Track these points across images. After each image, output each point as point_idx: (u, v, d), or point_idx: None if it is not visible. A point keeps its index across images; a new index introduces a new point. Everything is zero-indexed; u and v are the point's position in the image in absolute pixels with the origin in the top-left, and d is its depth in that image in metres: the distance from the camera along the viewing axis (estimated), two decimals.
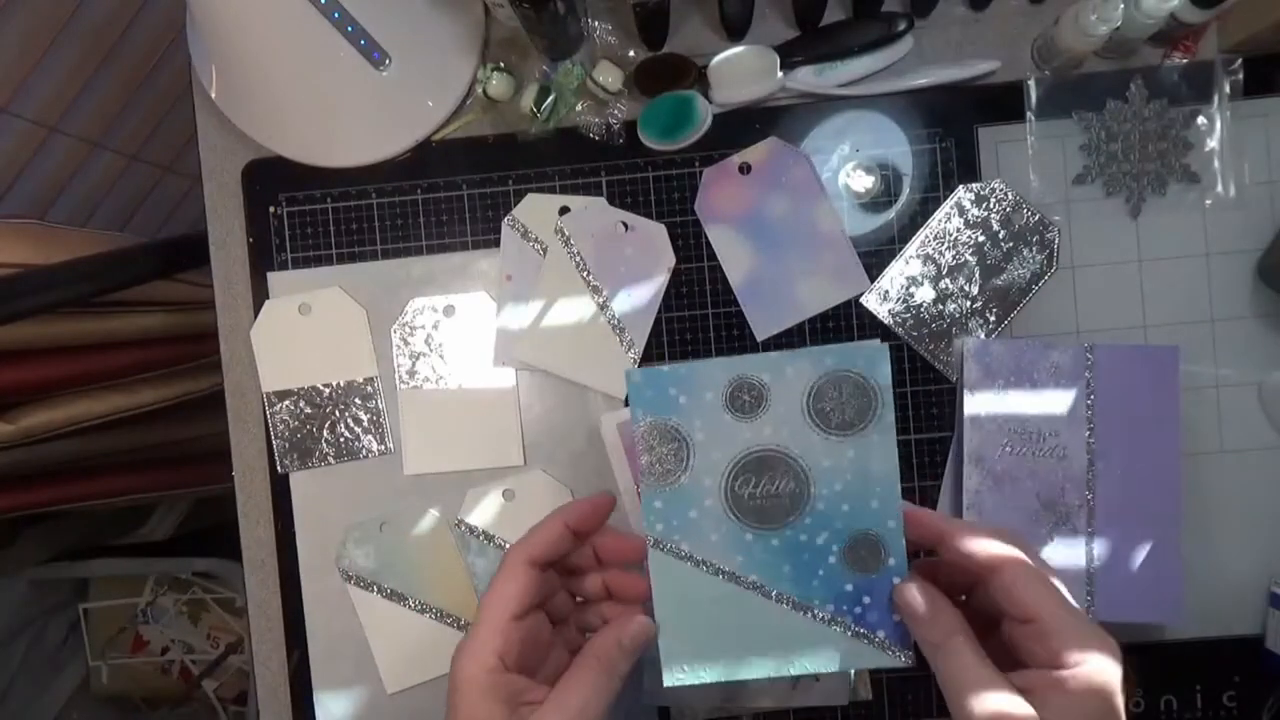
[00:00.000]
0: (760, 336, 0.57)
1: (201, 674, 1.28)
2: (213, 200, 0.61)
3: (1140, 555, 0.55)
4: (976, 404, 0.55)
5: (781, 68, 0.57)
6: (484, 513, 0.59)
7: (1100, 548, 0.54)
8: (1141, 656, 0.56)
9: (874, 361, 0.41)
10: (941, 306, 0.57)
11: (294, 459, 0.60)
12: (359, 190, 0.60)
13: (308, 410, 0.60)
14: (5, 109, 0.71)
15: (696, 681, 0.41)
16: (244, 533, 0.61)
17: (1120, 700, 0.32)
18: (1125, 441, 0.55)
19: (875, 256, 0.58)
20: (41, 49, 0.71)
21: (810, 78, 0.57)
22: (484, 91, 0.58)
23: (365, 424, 0.60)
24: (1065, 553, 0.55)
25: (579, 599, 0.45)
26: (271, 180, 0.60)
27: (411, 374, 0.59)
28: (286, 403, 0.60)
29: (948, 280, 0.57)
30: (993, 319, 0.56)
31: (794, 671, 0.41)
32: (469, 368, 0.59)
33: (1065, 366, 0.55)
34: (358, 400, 0.60)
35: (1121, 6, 0.50)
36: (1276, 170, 0.56)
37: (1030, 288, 0.56)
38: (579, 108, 0.58)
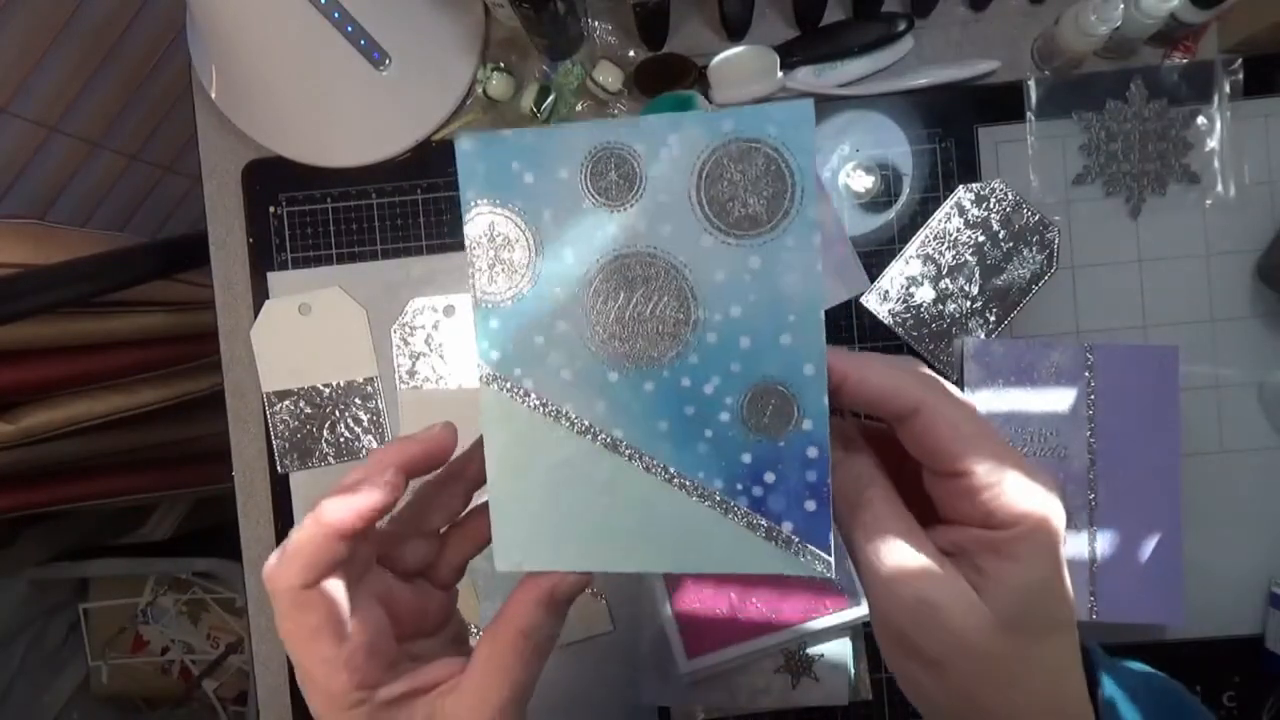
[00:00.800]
0: None
1: (201, 674, 1.27)
2: (213, 200, 0.61)
3: (1141, 555, 0.54)
4: (977, 404, 0.55)
5: (781, 68, 0.57)
6: None
7: (1101, 547, 0.54)
8: (1141, 656, 0.56)
9: (793, 124, 0.28)
10: (941, 306, 0.57)
11: (294, 459, 0.60)
12: (359, 190, 0.60)
13: (308, 410, 0.60)
14: (5, 109, 0.71)
15: (537, 569, 0.30)
16: (244, 533, 0.61)
17: (1064, 564, 0.27)
18: (1126, 441, 0.55)
19: (875, 256, 0.58)
20: (41, 49, 0.71)
21: (810, 78, 0.57)
22: (484, 91, 0.58)
23: (365, 424, 0.60)
24: (1066, 552, 0.55)
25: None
26: (271, 180, 0.60)
27: (411, 374, 0.59)
28: (286, 403, 0.60)
29: (948, 280, 0.57)
30: (993, 319, 0.56)
31: (667, 569, 0.30)
32: (469, 368, 0.59)
33: (1065, 366, 0.55)
34: (358, 400, 0.60)
35: (1121, 6, 0.50)
36: (1276, 170, 0.56)
37: (1030, 288, 0.56)
38: (579, 108, 0.58)
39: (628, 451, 0.30)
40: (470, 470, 0.34)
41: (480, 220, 0.29)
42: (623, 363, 0.29)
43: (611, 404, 0.30)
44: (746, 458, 0.28)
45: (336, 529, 0.28)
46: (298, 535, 0.28)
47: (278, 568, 0.28)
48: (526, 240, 0.29)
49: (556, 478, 0.30)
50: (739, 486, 0.29)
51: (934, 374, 0.28)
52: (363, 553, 0.31)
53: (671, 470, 0.29)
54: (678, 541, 0.29)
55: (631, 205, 0.29)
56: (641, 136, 0.28)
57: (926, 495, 0.29)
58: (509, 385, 0.30)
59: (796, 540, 0.28)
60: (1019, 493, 0.26)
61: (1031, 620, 0.26)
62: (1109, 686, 0.29)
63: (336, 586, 0.28)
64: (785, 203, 0.28)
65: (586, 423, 0.30)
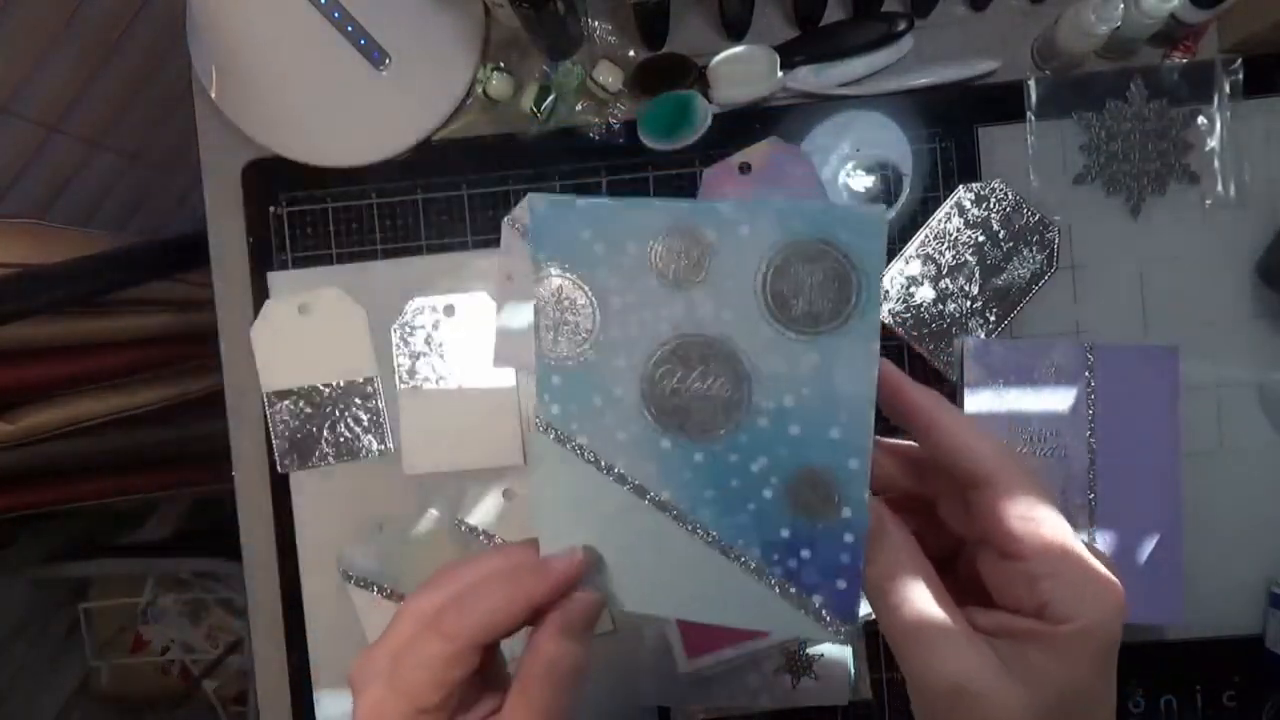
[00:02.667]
0: None
1: (201, 674, 1.27)
2: (213, 200, 0.61)
3: (1141, 555, 0.54)
4: (977, 404, 0.55)
5: (781, 68, 0.57)
6: (484, 513, 0.59)
7: (1101, 547, 0.54)
8: (1141, 656, 0.56)
9: (864, 233, 0.29)
10: (941, 306, 0.57)
11: (294, 459, 0.60)
12: (359, 190, 0.60)
13: (308, 410, 0.60)
14: (5, 109, 0.71)
15: None
16: (244, 533, 0.61)
17: (1114, 666, 0.26)
18: (1126, 441, 0.55)
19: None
20: (41, 49, 0.71)
21: (810, 78, 0.57)
22: (484, 91, 0.58)
23: (365, 424, 0.60)
24: None
25: None
26: (271, 180, 0.60)
27: (411, 374, 0.59)
28: (286, 403, 0.60)
29: (948, 280, 0.57)
30: (993, 319, 0.56)
31: (699, 619, 0.32)
32: (469, 368, 0.59)
33: (1065, 366, 0.55)
34: (358, 400, 0.60)
35: (1121, 6, 0.50)
36: (1276, 170, 0.56)
37: (1030, 288, 0.56)
38: (579, 108, 0.58)
39: (674, 512, 0.31)
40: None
41: (550, 283, 0.31)
42: (676, 433, 0.31)
43: (662, 468, 0.31)
44: (785, 533, 0.30)
45: (536, 607, 0.29)
46: (497, 592, 0.29)
47: (465, 612, 0.28)
48: (592, 308, 0.31)
49: (602, 526, 0.31)
50: (775, 557, 0.30)
51: (1012, 451, 0.28)
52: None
53: (713, 534, 0.31)
54: (713, 597, 0.31)
55: (697, 287, 0.30)
56: (714, 222, 0.29)
57: (971, 569, 0.28)
58: (565, 437, 0.31)
59: (824, 612, 0.30)
60: (1078, 589, 0.25)
61: (1070, 718, 0.25)
62: None
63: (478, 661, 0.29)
64: (848, 306, 0.29)
65: (637, 481, 0.31)
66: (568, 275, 0.31)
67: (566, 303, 0.31)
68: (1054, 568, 0.25)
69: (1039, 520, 0.26)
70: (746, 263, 0.29)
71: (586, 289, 0.31)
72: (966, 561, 0.30)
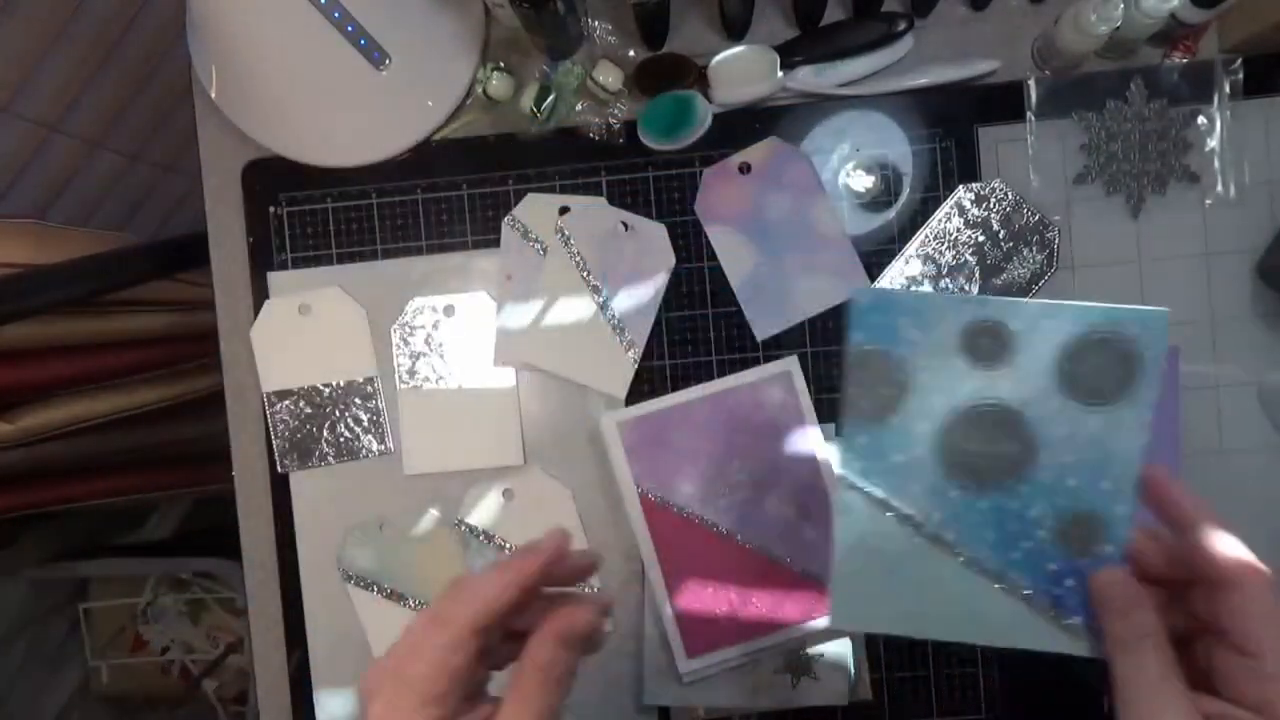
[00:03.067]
0: (760, 336, 0.57)
1: (201, 674, 1.27)
2: (213, 200, 0.61)
3: None
4: None
5: (781, 68, 0.57)
6: (484, 513, 0.59)
7: None
8: None
9: (1152, 328, 0.36)
10: None
11: (294, 459, 0.60)
12: (359, 190, 0.60)
13: (308, 410, 0.60)
14: (5, 109, 0.71)
15: (863, 629, 0.44)
16: (244, 533, 0.61)
17: None
18: None
19: (875, 256, 0.58)
20: (41, 49, 0.71)
21: (810, 78, 0.57)
22: (484, 91, 0.58)
23: (365, 424, 0.60)
24: None
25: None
26: (271, 180, 0.60)
27: (411, 374, 0.59)
28: (286, 403, 0.60)
29: (948, 280, 0.57)
30: None
31: (974, 641, 0.38)
32: (469, 368, 0.59)
33: None
34: (358, 400, 0.60)
35: (1121, 6, 0.50)
36: (1276, 170, 0.56)
37: (1030, 288, 0.56)
38: (579, 108, 0.58)
39: (957, 551, 0.38)
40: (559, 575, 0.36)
41: (864, 357, 0.37)
42: (965, 484, 0.38)
43: (949, 514, 0.38)
44: (1053, 566, 0.36)
45: (528, 588, 0.32)
46: (495, 579, 0.32)
47: (465, 600, 0.31)
48: (900, 381, 0.37)
49: (893, 563, 0.38)
50: (1043, 586, 0.37)
51: (1254, 559, 0.31)
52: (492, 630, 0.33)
53: (990, 569, 0.37)
54: (987, 622, 0.37)
55: (999, 368, 0.37)
56: (1019, 318, 0.37)
57: (1204, 658, 0.31)
58: (865, 488, 0.38)
59: (1085, 632, 0.36)
60: None
61: None
62: None
63: (480, 647, 0.31)
64: (1131, 386, 0.36)
65: (926, 526, 0.38)
66: (882, 352, 0.37)
67: (878, 375, 0.37)
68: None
69: (1275, 625, 0.29)
70: (1045, 349, 0.37)
71: (897, 366, 0.38)
72: (1202, 650, 0.32)
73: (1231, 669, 0.29)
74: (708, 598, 0.55)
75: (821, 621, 0.55)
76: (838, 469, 0.38)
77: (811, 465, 0.54)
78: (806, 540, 0.53)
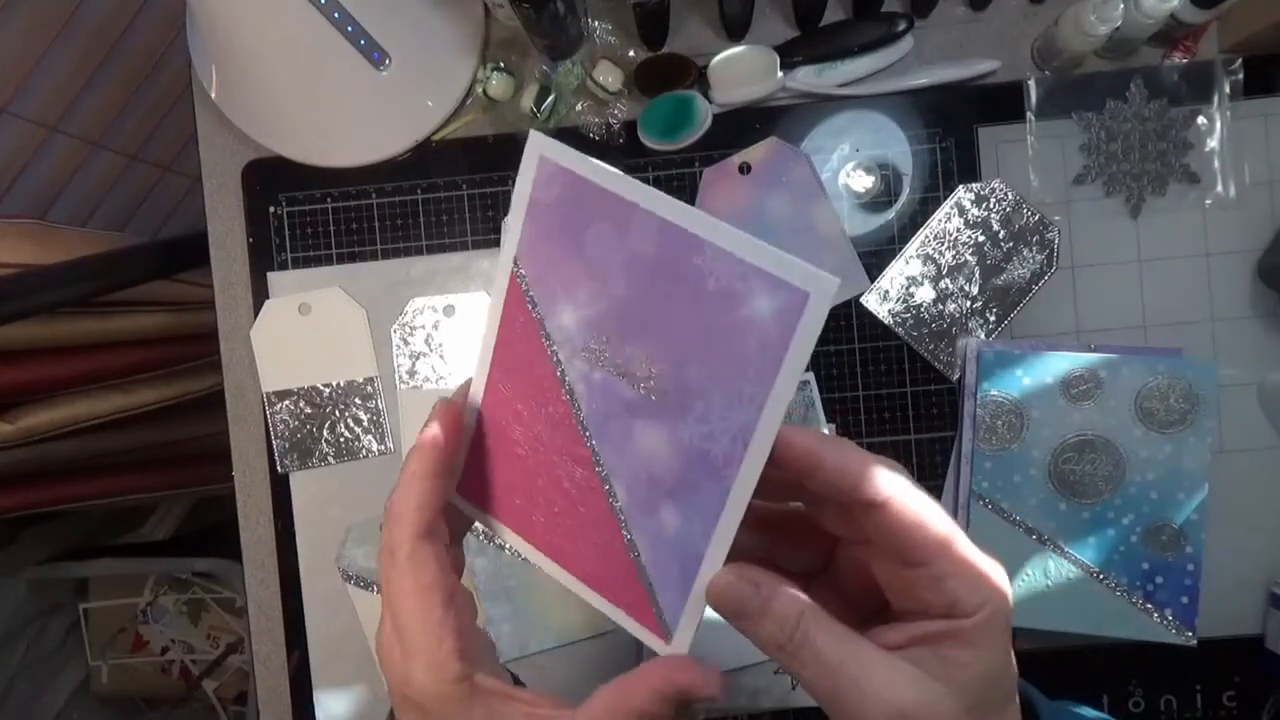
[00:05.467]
0: None
1: (201, 674, 1.28)
2: (213, 200, 0.61)
3: None
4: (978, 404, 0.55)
5: (781, 68, 0.57)
6: None
7: None
8: (1141, 656, 0.56)
9: (1204, 375, 0.50)
10: (941, 306, 0.57)
11: (294, 459, 0.60)
12: (359, 190, 0.60)
13: (308, 410, 0.60)
14: (5, 109, 0.71)
15: None
16: (244, 533, 0.61)
17: (1010, 634, 0.27)
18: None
19: (875, 256, 0.58)
20: (41, 49, 0.71)
21: (810, 78, 0.57)
22: (484, 91, 0.58)
23: (365, 424, 0.60)
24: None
25: None
26: (271, 180, 0.60)
27: (411, 374, 0.59)
28: (286, 403, 0.60)
29: (948, 280, 0.57)
30: (993, 319, 0.56)
31: (1082, 630, 0.46)
32: (469, 368, 0.59)
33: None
34: (358, 400, 0.60)
35: (1121, 6, 0.50)
36: (1276, 170, 0.56)
37: (1030, 288, 0.56)
38: (579, 108, 0.58)
39: (1068, 555, 0.49)
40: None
41: (991, 401, 0.51)
42: (1070, 498, 0.49)
43: (1059, 523, 0.49)
44: (1145, 565, 0.47)
45: (434, 466, 0.30)
46: (407, 481, 0.30)
47: (397, 516, 0.29)
48: (1019, 416, 0.51)
49: (1016, 566, 0.48)
50: (1138, 583, 0.48)
51: (889, 462, 0.28)
52: (444, 521, 0.32)
53: (1095, 569, 0.48)
54: (1091, 614, 0.48)
55: (1090, 404, 0.51)
56: (1106, 366, 0.50)
57: (849, 578, 0.30)
58: (990, 503, 0.50)
59: (1174, 621, 0.47)
60: (978, 579, 0.26)
61: (992, 700, 0.26)
62: None
63: (440, 550, 0.30)
64: (1193, 416, 0.50)
65: (1041, 533, 0.49)
66: (1002, 397, 0.50)
67: (1001, 414, 0.50)
68: (954, 566, 0.26)
69: (935, 526, 0.26)
70: (1126, 390, 0.50)
71: (1014, 405, 0.50)
72: (844, 572, 0.31)
73: (902, 581, 0.27)
74: (510, 457, 0.33)
75: (647, 639, 0.32)
76: (972, 488, 0.50)
77: (743, 423, 0.26)
78: (663, 526, 0.28)
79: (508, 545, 0.39)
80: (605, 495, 0.29)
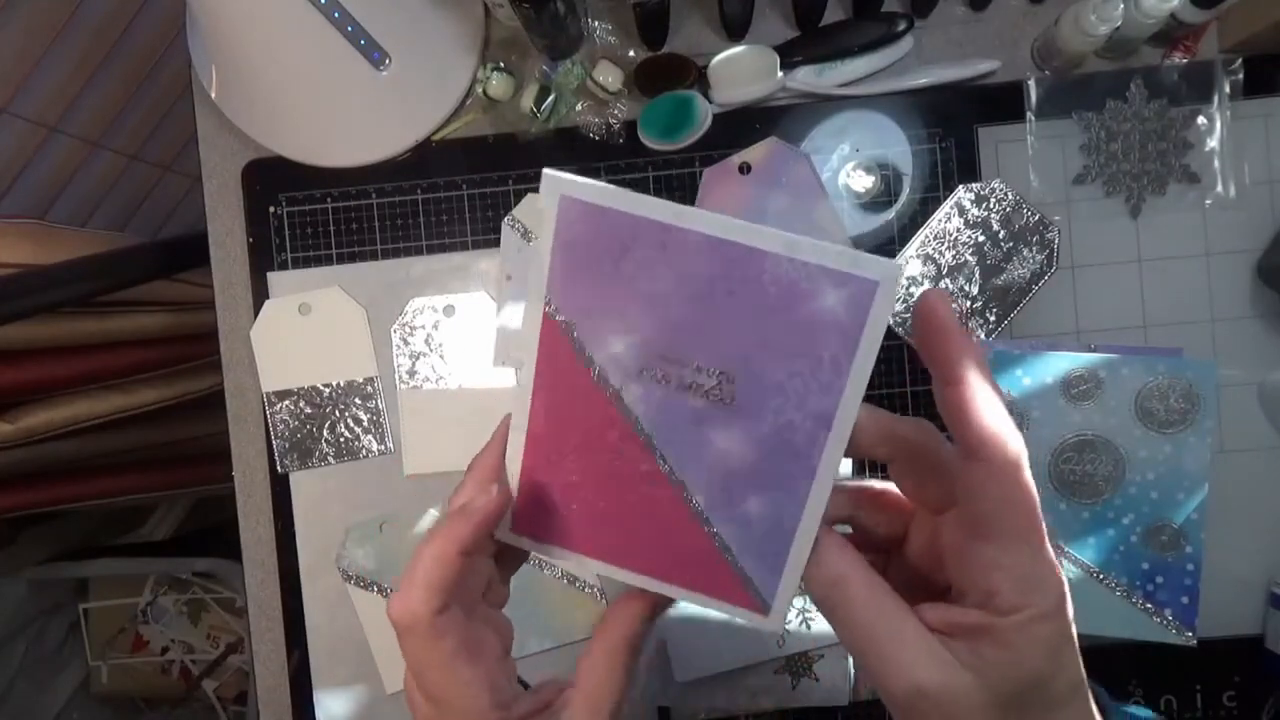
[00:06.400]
0: None
1: (201, 674, 1.28)
2: (213, 200, 0.61)
3: None
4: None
5: (781, 68, 0.57)
6: None
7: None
8: (1142, 657, 0.56)
9: (1204, 375, 0.50)
10: None
11: (294, 459, 0.60)
12: (359, 190, 0.60)
13: (308, 410, 0.60)
14: (5, 109, 0.71)
15: None
16: (244, 533, 0.61)
17: (1065, 650, 0.26)
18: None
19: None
20: (41, 49, 0.71)
21: (810, 78, 0.57)
22: (484, 91, 0.58)
23: (365, 424, 0.60)
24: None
25: None
26: (271, 180, 0.60)
27: (411, 374, 0.59)
28: (286, 403, 0.60)
29: (948, 280, 0.57)
30: (993, 319, 0.56)
31: (1082, 630, 0.45)
32: (469, 368, 0.59)
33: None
34: (358, 400, 0.60)
35: (1121, 6, 0.50)
36: (1276, 170, 0.56)
37: (1030, 288, 0.56)
38: (579, 108, 0.58)
39: (1068, 554, 0.48)
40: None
41: None
42: (1070, 498, 0.49)
43: (1059, 523, 0.49)
44: (1145, 565, 0.46)
45: (459, 545, 0.29)
46: (422, 563, 0.28)
47: (407, 599, 0.28)
48: (1019, 415, 0.49)
49: None
50: (1137, 583, 0.48)
51: (1011, 426, 0.27)
52: (477, 570, 0.32)
53: (1094, 569, 0.48)
54: (1091, 614, 0.47)
55: (1091, 403, 0.50)
56: (1106, 366, 0.50)
57: (913, 564, 0.30)
58: None
59: (1174, 622, 0.46)
60: (1027, 581, 0.25)
61: (1032, 703, 0.25)
62: None
63: (458, 613, 0.29)
64: (1192, 416, 0.49)
65: None
66: (1006, 396, 0.44)
67: None
68: (1009, 558, 0.25)
69: (1027, 508, 0.25)
70: (1126, 390, 0.50)
71: (1017, 405, 0.49)
72: (914, 547, 0.31)
73: (961, 548, 0.26)
74: (566, 486, 0.32)
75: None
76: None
77: (823, 408, 0.27)
78: (748, 515, 0.29)
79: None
80: (683, 502, 0.30)
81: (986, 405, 0.25)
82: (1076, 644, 0.26)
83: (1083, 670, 0.27)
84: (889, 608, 0.27)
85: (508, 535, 0.32)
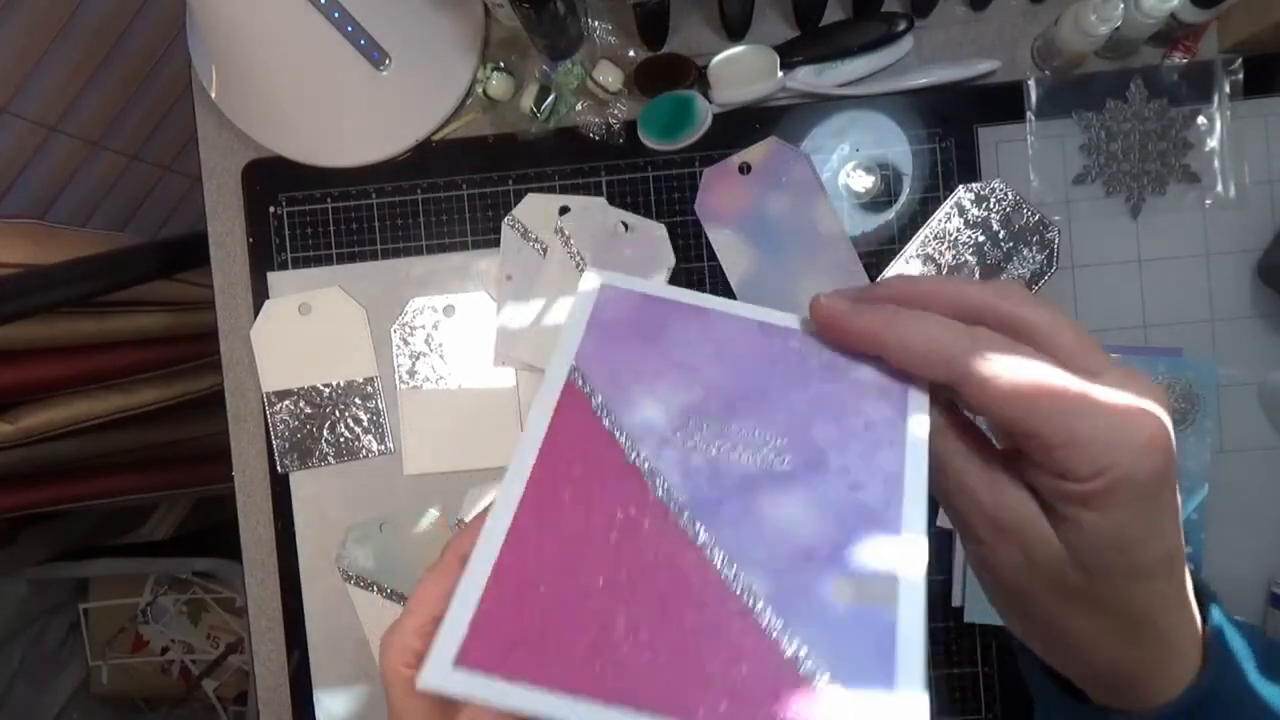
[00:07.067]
0: None
1: (201, 674, 1.28)
2: (213, 200, 0.61)
3: None
4: None
5: (781, 68, 0.57)
6: None
7: None
8: None
9: (1204, 375, 0.49)
10: None
11: (294, 459, 0.60)
12: (359, 190, 0.60)
13: (308, 410, 0.60)
14: (5, 109, 0.71)
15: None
16: (244, 533, 0.61)
17: (1162, 504, 0.23)
18: None
19: (875, 256, 0.58)
20: (41, 49, 0.71)
21: (810, 78, 0.57)
22: (484, 91, 0.58)
23: (365, 424, 0.60)
24: None
25: None
26: (271, 180, 0.60)
27: (411, 374, 0.59)
28: (286, 403, 0.60)
29: None
30: None
31: None
32: (469, 368, 0.59)
33: None
34: (358, 400, 0.60)
35: (1121, 6, 0.50)
36: (1276, 170, 0.56)
37: (1030, 288, 0.56)
38: (579, 108, 0.58)
39: None
40: None
41: None
42: None
43: None
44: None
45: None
46: (405, 622, 0.27)
47: (461, 535, 0.27)
48: None
49: None
50: None
51: (984, 329, 0.24)
52: None
53: None
54: None
55: None
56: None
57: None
58: None
59: None
60: (1094, 445, 0.22)
61: (1117, 567, 0.24)
62: (1217, 615, 0.27)
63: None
64: (1192, 416, 0.49)
65: None
66: None
67: None
68: (1063, 435, 0.23)
69: (1030, 392, 0.23)
70: None
71: None
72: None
73: (1021, 450, 0.24)
74: (561, 589, 0.23)
75: None
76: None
77: (889, 465, 0.25)
78: (824, 602, 0.22)
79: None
80: (734, 594, 0.22)
81: (911, 329, 0.24)
82: (1178, 509, 0.24)
83: (1182, 540, 0.25)
84: (985, 460, 0.25)
85: (445, 675, 0.20)
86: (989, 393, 0.23)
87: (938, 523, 0.54)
